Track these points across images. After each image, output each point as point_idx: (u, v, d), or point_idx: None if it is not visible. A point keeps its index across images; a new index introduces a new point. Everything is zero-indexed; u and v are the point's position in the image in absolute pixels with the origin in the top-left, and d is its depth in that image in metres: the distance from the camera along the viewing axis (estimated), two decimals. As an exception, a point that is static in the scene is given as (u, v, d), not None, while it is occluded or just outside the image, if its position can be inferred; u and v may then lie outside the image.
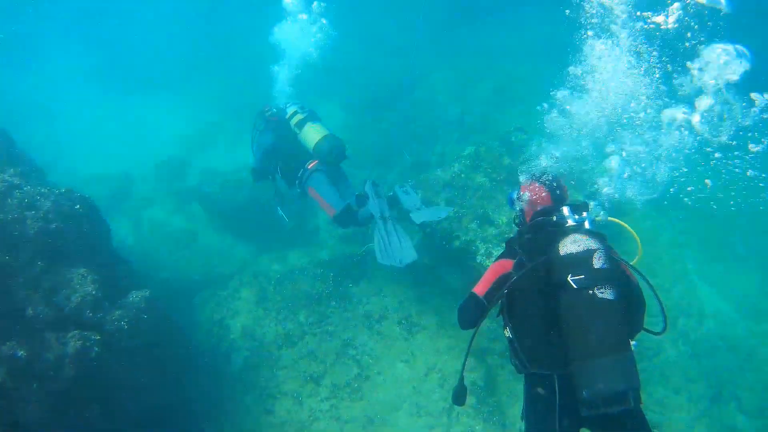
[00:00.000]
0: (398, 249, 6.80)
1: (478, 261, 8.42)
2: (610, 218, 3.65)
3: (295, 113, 7.68)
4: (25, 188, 5.85)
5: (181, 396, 6.82)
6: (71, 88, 14.76)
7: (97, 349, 5.16)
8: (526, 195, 3.69)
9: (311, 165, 7.57)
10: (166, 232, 10.30)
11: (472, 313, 3.35)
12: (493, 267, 3.45)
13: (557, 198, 3.54)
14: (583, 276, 2.87)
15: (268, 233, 9.93)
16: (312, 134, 7.48)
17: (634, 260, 3.51)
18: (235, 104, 12.77)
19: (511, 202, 3.89)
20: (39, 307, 5.18)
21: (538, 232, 3.35)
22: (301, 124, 7.57)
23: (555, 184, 3.60)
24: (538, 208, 3.54)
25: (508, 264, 3.36)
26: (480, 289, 3.39)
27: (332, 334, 7.94)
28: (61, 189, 6.21)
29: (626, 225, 3.67)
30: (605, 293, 2.84)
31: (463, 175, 9.58)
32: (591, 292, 2.84)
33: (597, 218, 3.51)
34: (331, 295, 8.45)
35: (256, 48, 10.56)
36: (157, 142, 12.43)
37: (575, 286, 2.86)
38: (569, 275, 2.89)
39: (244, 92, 12.39)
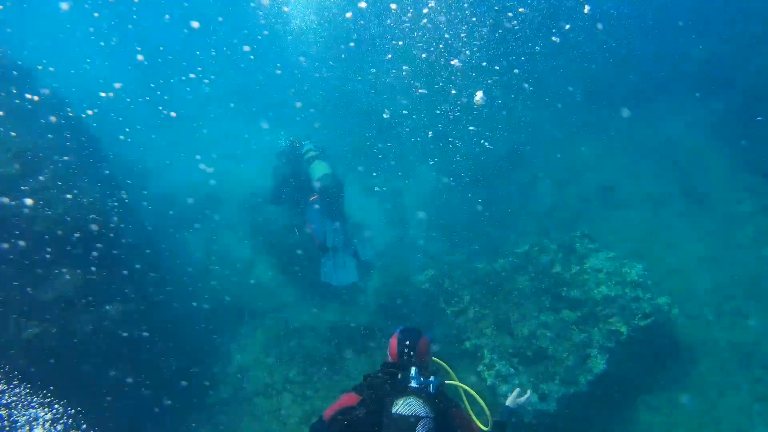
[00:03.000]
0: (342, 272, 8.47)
1: (478, 370, 7.80)
2: (447, 382, 3.81)
3: (308, 150, 8.94)
4: (52, 191, 6.92)
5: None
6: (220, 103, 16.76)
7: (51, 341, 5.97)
8: (390, 342, 3.81)
9: (312, 198, 8.63)
10: (229, 256, 11.15)
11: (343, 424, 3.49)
12: (344, 396, 3.60)
13: (403, 360, 3.66)
14: None
15: (320, 283, 10.21)
16: (316, 170, 8.62)
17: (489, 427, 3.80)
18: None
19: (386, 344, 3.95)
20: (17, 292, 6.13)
21: (387, 381, 3.52)
22: (310, 160, 8.80)
23: (408, 344, 3.69)
24: (390, 360, 3.74)
25: (355, 398, 3.50)
26: (328, 412, 3.53)
27: (307, 399, 7.89)
28: (88, 200, 7.21)
29: (468, 388, 3.88)
30: None
31: (503, 273, 8.96)
32: None
33: (448, 381, 3.82)
34: (327, 360, 8.42)
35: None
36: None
37: None
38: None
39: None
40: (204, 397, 8.15)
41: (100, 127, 10.99)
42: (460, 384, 4.03)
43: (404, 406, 3.25)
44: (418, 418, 3.18)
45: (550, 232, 10.57)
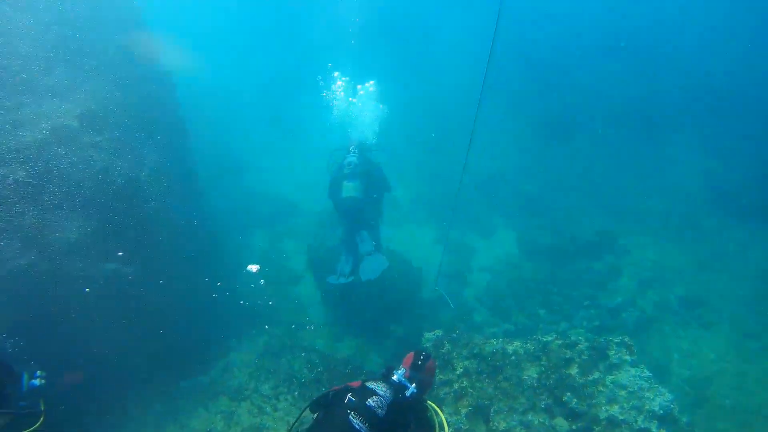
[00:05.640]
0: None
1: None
2: (428, 402, 4.35)
3: (344, 166, 8.92)
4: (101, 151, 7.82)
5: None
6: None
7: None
8: (407, 355, 4.64)
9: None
10: (282, 263, 11.49)
11: (322, 398, 4.16)
12: (354, 382, 4.29)
13: (414, 366, 4.47)
14: (355, 400, 3.86)
15: (351, 314, 10.11)
16: (344, 190, 8.75)
17: None
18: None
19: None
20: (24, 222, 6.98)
21: (382, 374, 4.39)
22: (341, 177, 8.86)
23: (422, 358, 4.51)
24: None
25: (359, 383, 4.21)
26: (334, 387, 4.22)
27: (261, 414, 7.75)
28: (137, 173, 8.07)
29: (439, 410, 4.34)
30: (356, 420, 3.75)
31: (513, 357, 7.96)
32: (348, 411, 3.77)
33: (431, 403, 4.35)
34: (301, 385, 8.21)
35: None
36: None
37: (344, 401, 3.86)
38: (350, 394, 3.92)
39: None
40: (182, 377, 8.45)
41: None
42: (440, 412, 4.41)
43: (372, 384, 4.06)
44: (374, 393, 3.93)
45: (602, 332, 9.21)
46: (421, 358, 4.50)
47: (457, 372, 7.82)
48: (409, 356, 4.54)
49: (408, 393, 4.10)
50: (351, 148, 9.43)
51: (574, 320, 9.94)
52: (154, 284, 8.21)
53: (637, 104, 14.01)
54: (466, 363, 7.90)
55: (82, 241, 7.25)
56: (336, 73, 10.96)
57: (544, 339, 8.24)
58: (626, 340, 7.96)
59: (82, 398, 7.15)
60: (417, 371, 4.39)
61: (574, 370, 7.63)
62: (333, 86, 10.87)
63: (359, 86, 11.05)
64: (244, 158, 12.72)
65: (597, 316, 9.85)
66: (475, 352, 8.02)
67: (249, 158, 12.83)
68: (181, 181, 9.73)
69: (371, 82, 11.19)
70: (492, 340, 8.37)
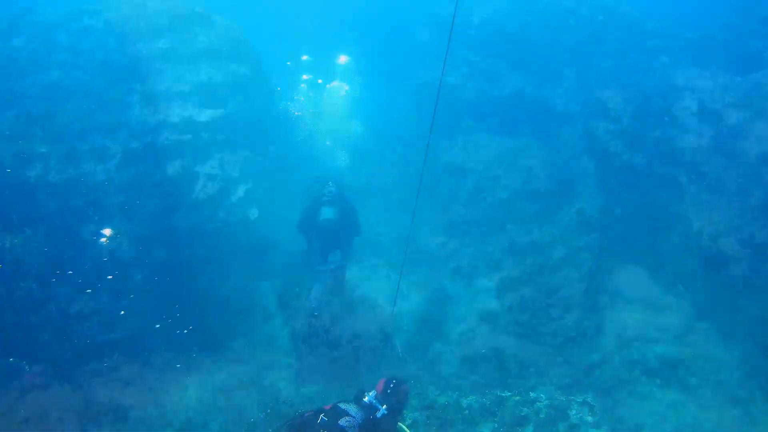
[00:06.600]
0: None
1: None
2: (400, 424, 4.81)
3: (324, 194, 10.30)
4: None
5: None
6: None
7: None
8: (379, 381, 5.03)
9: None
10: (254, 301, 11.36)
11: (295, 419, 4.56)
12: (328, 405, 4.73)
13: (384, 390, 4.79)
14: (327, 420, 4.12)
15: (322, 360, 9.85)
16: (323, 213, 10.21)
17: None
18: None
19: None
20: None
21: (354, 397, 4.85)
22: (320, 203, 10.28)
23: (393, 383, 4.82)
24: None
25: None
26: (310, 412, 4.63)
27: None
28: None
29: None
30: None
31: (466, 411, 7.58)
32: (321, 431, 4.05)
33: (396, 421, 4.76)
34: (249, 425, 7.96)
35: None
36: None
37: (317, 421, 4.14)
38: (322, 414, 4.21)
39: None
40: (132, 407, 8.27)
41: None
42: (403, 426, 4.93)
43: (344, 404, 4.39)
44: (346, 413, 4.20)
45: (573, 390, 8.72)
46: (392, 385, 4.76)
47: (406, 422, 7.48)
48: (381, 382, 4.81)
49: (379, 414, 4.40)
50: (330, 182, 10.42)
51: (545, 376, 9.46)
52: (113, 313, 8.17)
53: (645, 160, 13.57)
54: (416, 414, 7.56)
55: (17, 253, 7.28)
56: (304, 57, 11.23)
57: (502, 394, 7.87)
58: (588, 399, 7.61)
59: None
60: (387, 397, 4.64)
61: (529, 429, 7.22)
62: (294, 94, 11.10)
63: (336, 83, 11.37)
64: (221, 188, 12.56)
65: (569, 374, 9.36)
66: (426, 403, 7.69)
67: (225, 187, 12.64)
68: (149, 204, 9.77)
69: (343, 58, 11.35)
70: (448, 392, 8.03)
